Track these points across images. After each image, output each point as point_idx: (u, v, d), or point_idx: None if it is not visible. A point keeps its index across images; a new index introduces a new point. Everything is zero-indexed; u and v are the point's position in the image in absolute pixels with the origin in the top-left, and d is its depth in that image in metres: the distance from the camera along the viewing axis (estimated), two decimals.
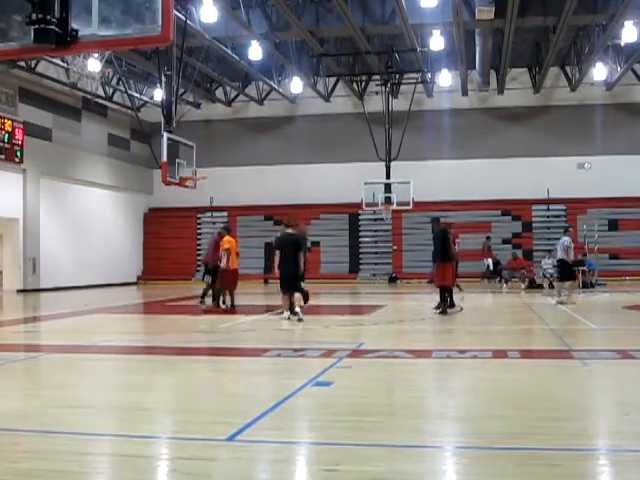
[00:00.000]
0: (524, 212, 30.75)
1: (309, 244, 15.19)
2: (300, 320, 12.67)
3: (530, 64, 29.97)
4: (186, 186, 17.73)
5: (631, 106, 30.09)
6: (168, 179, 16.57)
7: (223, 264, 15.06)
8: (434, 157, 30.79)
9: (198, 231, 32.75)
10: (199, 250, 31.38)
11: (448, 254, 14.19)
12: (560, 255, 16.60)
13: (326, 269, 30.71)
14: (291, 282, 13.16)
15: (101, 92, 29.27)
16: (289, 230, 13.40)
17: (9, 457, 4.54)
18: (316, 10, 22.47)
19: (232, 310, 15.27)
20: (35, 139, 25.13)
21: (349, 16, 20.90)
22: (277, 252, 13.30)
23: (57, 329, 12.95)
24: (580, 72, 27.81)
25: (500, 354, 8.81)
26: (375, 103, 27.85)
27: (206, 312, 15.23)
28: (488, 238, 28.22)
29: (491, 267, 27.66)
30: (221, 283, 15.50)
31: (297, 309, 13.12)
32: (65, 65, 24.52)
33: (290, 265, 12.98)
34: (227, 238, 15.47)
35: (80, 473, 4.22)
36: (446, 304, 14.21)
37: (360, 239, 31.89)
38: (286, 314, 13.22)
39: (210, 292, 16.11)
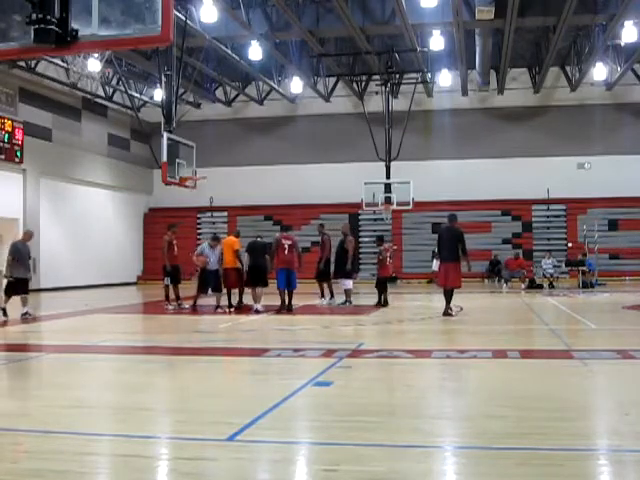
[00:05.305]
0: (524, 212, 30.72)
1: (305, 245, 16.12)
2: (257, 312, 14.92)
3: (530, 64, 29.94)
4: (186, 186, 17.73)
5: (631, 106, 30.08)
6: (168, 179, 16.57)
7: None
8: (434, 157, 30.80)
9: (198, 231, 32.71)
10: None
11: (462, 254, 13.77)
12: None
13: None
14: (257, 278, 15.29)
15: (101, 92, 29.26)
16: (259, 238, 16.11)
17: (9, 457, 4.54)
18: (316, 10, 22.47)
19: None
20: (35, 139, 25.09)
21: (349, 16, 20.90)
22: (246, 254, 15.61)
23: (57, 329, 12.95)
24: (580, 72, 27.79)
25: (500, 354, 8.81)
26: (375, 103, 27.82)
27: (234, 311, 15.44)
28: None
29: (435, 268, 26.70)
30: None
31: (258, 305, 15.20)
32: (65, 65, 24.49)
33: (257, 264, 15.29)
34: (228, 240, 16.11)
35: (80, 473, 4.22)
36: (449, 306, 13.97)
37: (360, 239, 31.82)
38: (255, 305, 15.23)
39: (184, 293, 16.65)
